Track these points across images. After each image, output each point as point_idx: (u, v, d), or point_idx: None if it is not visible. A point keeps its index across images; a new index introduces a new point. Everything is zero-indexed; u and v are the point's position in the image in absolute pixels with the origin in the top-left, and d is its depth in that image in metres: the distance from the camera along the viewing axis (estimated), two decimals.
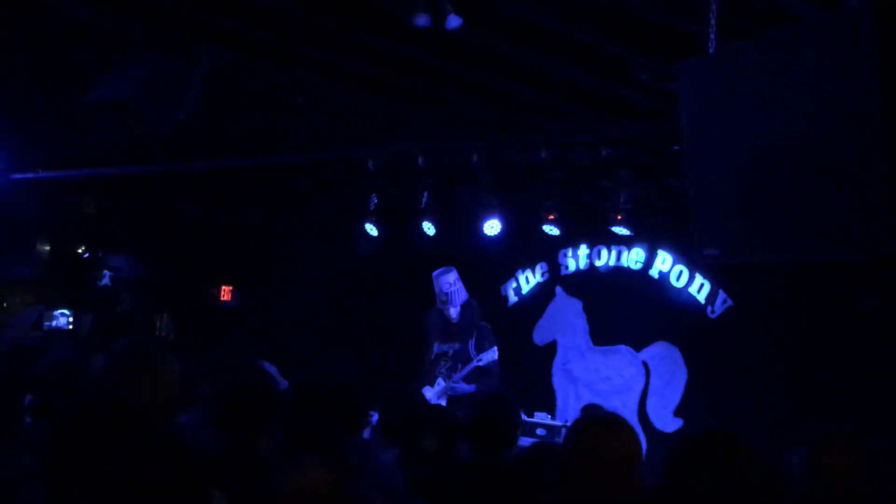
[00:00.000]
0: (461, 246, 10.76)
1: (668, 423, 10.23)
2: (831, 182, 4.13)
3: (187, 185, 11.94)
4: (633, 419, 10.35)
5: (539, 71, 6.93)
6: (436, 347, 9.17)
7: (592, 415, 3.29)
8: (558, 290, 11.32)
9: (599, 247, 11.01)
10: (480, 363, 8.65)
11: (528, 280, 11.62)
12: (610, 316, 10.93)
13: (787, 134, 4.27)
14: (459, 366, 8.80)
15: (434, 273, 9.13)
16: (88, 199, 12.79)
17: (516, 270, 11.68)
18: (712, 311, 10.12)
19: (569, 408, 10.76)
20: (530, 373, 11.10)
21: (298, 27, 6.40)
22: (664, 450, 2.97)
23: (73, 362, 5.21)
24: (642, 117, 7.57)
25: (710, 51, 4.91)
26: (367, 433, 5.68)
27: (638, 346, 10.62)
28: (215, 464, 3.69)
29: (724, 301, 10.05)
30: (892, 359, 8.68)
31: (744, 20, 5.26)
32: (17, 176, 11.54)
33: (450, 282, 9.01)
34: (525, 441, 7.02)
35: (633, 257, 10.74)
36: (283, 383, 7.23)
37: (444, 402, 8.73)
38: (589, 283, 11.11)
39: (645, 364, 10.57)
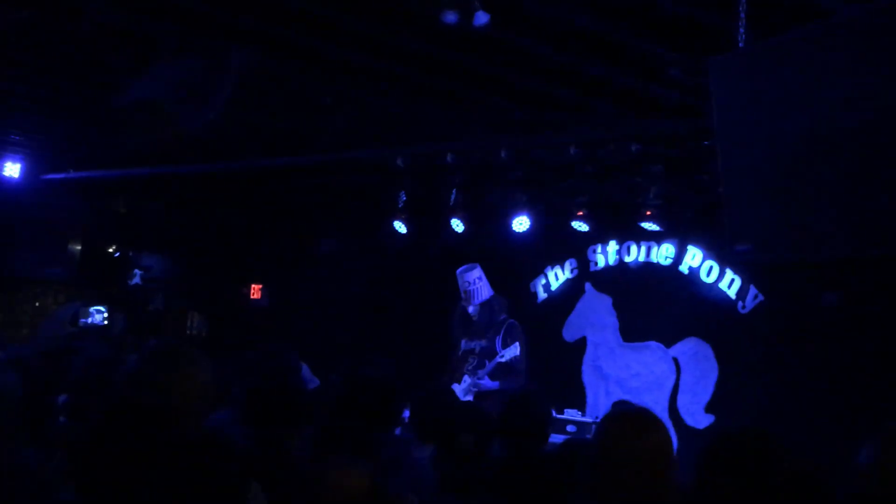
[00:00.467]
0: (490, 243, 10.76)
1: (699, 419, 10.18)
2: (868, 178, 4.10)
3: (217, 184, 12.00)
4: (663, 415, 10.30)
5: (568, 68, 6.92)
6: (463, 344, 9.19)
7: (622, 410, 3.26)
8: (588, 286, 11.28)
9: (629, 243, 10.96)
10: (503, 360, 8.64)
11: (558, 276, 11.59)
12: (640, 312, 10.88)
13: (821, 129, 4.24)
14: (486, 362, 8.80)
15: (458, 270, 9.14)
16: (120, 199, 12.88)
17: (545, 267, 11.66)
18: (743, 307, 10.05)
19: (599, 404, 10.73)
20: (560, 369, 11.07)
21: (327, 27, 6.43)
22: (695, 446, 2.96)
23: (107, 362, 5.25)
24: (672, 113, 7.54)
25: (740, 45, 4.88)
26: (398, 430, 5.71)
27: (668, 343, 10.57)
28: (248, 461, 3.72)
29: (755, 296, 9.98)
30: None
31: (774, 14, 5.24)
32: (50, 176, 11.65)
33: (471, 280, 9.02)
34: (556, 438, 7.01)
35: (663, 253, 10.68)
36: (314, 382, 7.27)
37: (471, 398, 8.73)
38: (618, 280, 11.07)
39: (675, 360, 10.52)
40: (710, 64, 4.87)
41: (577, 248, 11.28)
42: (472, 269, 9.08)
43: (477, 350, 9.01)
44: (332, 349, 11.47)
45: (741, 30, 4.89)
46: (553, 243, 11.11)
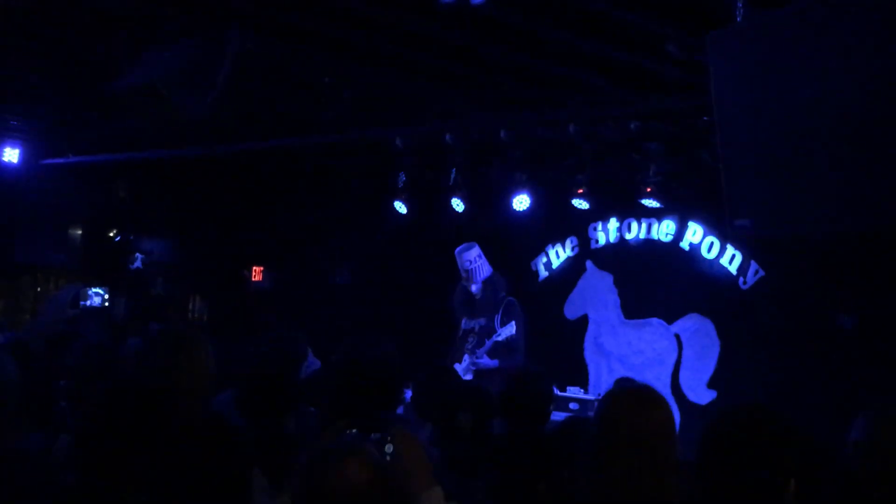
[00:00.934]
0: (490, 222, 10.75)
1: (701, 395, 10.20)
2: (868, 151, 4.09)
3: (217, 167, 11.99)
4: (666, 392, 10.33)
5: (566, 45, 6.89)
6: (463, 323, 9.20)
7: (624, 388, 3.26)
8: (589, 264, 11.28)
9: (629, 220, 10.96)
10: (499, 338, 8.65)
11: (559, 254, 11.60)
12: (641, 289, 10.89)
13: (820, 103, 4.23)
14: (485, 341, 8.81)
15: (456, 250, 9.13)
16: (120, 184, 12.88)
17: (546, 245, 11.66)
18: (744, 283, 10.06)
19: (601, 382, 10.74)
20: (562, 347, 11.09)
21: (325, 8, 6.40)
22: (698, 422, 2.96)
23: (107, 347, 5.27)
24: (672, 90, 7.52)
25: (738, 20, 4.86)
26: (400, 410, 5.72)
27: (670, 319, 10.58)
28: (245, 443, 3.75)
29: (756, 272, 9.98)
30: None
31: None
32: (49, 161, 11.64)
33: (471, 258, 9.01)
34: (558, 416, 7.03)
35: (664, 230, 10.68)
36: (316, 363, 7.28)
37: (470, 377, 8.74)
38: (619, 257, 11.07)
39: (677, 336, 10.53)
40: (708, 39, 4.86)
41: (578, 226, 11.28)
42: (470, 247, 9.08)
43: (476, 329, 9.02)
44: (333, 330, 11.48)
45: (739, 4, 4.86)
46: (553, 221, 11.10)
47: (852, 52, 4.09)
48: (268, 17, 6.59)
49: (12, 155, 11.50)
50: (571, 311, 11.39)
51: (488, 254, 9.21)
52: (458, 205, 10.35)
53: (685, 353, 10.46)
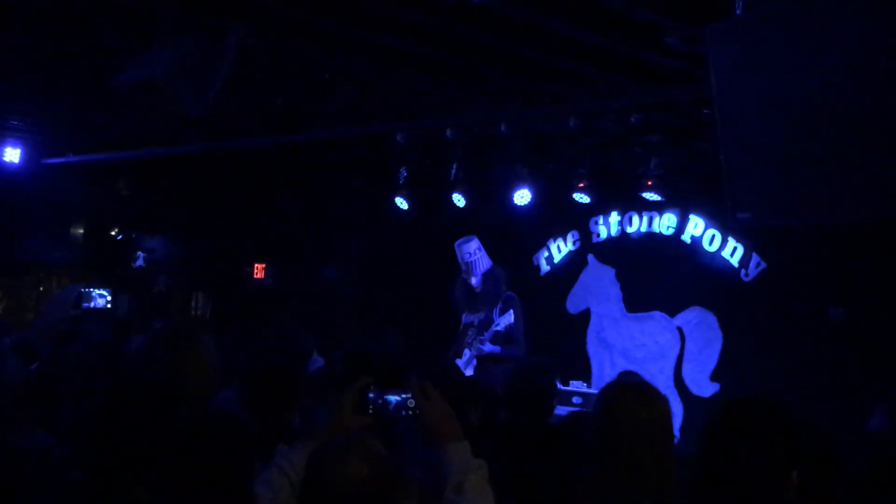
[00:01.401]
0: (492, 217, 10.76)
1: (704, 388, 10.21)
2: (869, 141, 4.09)
3: (218, 164, 11.99)
4: (669, 385, 10.34)
5: (566, 38, 6.88)
6: (464, 318, 9.21)
7: (621, 382, 3.27)
8: (590, 257, 11.29)
9: (631, 213, 10.97)
10: (498, 328, 8.65)
11: (560, 249, 11.60)
12: (643, 282, 10.90)
13: (821, 94, 4.22)
14: (485, 333, 8.81)
15: (456, 243, 9.14)
16: (121, 182, 12.88)
17: (548, 239, 11.67)
18: (746, 275, 10.07)
19: (604, 375, 10.75)
20: (565, 341, 11.10)
21: (325, 2, 6.39)
22: (701, 415, 2.97)
23: (111, 345, 5.27)
24: (672, 82, 7.51)
25: (738, 11, 4.86)
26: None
27: (672, 312, 10.59)
28: (250, 439, 3.75)
29: (758, 264, 9.99)
30: None
31: None
32: (50, 160, 11.65)
33: (471, 251, 9.02)
34: (561, 410, 7.03)
35: (665, 223, 10.69)
36: (319, 361, 7.28)
37: (471, 371, 8.74)
38: (621, 250, 11.08)
39: (680, 329, 10.54)
40: (708, 31, 4.85)
41: (579, 220, 11.30)
42: (469, 240, 9.09)
43: (475, 323, 9.02)
44: (336, 326, 11.49)
45: None
46: (555, 215, 11.12)
47: (853, 43, 4.09)
48: (267, 12, 6.58)
49: (13, 155, 11.50)
50: (574, 305, 11.41)
51: (490, 249, 9.22)
52: (459, 200, 10.35)
53: (688, 345, 10.47)
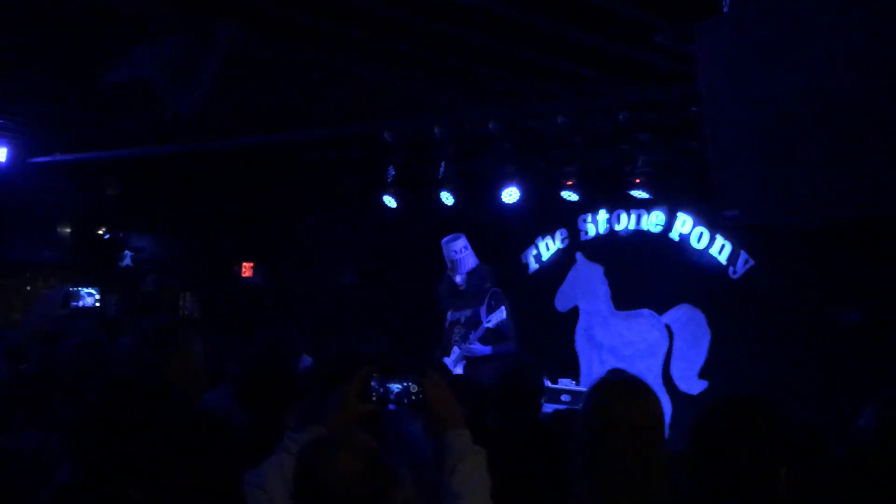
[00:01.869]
0: (480, 215, 10.77)
1: (692, 385, 10.23)
2: (856, 139, 4.10)
3: (206, 163, 11.97)
4: (657, 383, 10.36)
5: (555, 36, 6.89)
6: (449, 315, 9.22)
7: (611, 378, 3.28)
8: (579, 255, 11.31)
9: (619, 211, 10.98)
10: (489, 324, 8.67)
11: (549, 247, 11.62)
12: (631, 280, 10.92)
13: (808, 91, 4.24)
14: (472, 333, 8.82)
15: (443, 240, 9.17)
16: (109, 181, 12.85)
17: (536, 237, 11.68)
18: (734, 272, 10.09)
19: (593, 373, 10.76)
20: (553, 339, 11.11)
21: (313, 1, 6.39)
22: (690, 412, 2.97)
23: (100, 344, 5.27)
24: (661, 80, 7.53)
25: (725, 9, 4.87)
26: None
27: (660, 310, 10.61)
28: (243, 437, 3.76)
29: (746, 261, 10.02)
30: None
31: None
32: (37, 160, 11.61)
33: (457, 249, 9.04)
34: (549, 407, 7.04)
35: (653, 220, 10.71)
36: (307, 360, 7.28)
37: (460, 370, 8.75)
38: (609, 248, 11.09)
39: (668, 327, 10.56)
40: (696, 29, 4.86)
41: (568, 218, 11.31)
42: (456, 238, 9.11)
43: (462, 320, 9.03)
44: (323, 325, 11.48)
45: None
46: (543, 214, 11.12)
47: (840, 41, 4.10)
48: (256, 11, 6.57)
49: (0, 154, 11.47)
50: (562, 303, 11.42)
51: (478, 247, 9.23)
52: (447, 198, 10.35)
53: (676, 343, 10.49)
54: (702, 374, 10.20)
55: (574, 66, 7.51)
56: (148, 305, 12.99)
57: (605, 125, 8.70)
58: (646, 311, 10.74)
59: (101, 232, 13.16)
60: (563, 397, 9.10)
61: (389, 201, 10.79)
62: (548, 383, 8.23)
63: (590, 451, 2.92)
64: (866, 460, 2.91)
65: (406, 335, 10.47)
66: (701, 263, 10.32)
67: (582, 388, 9.28)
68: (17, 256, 12.40)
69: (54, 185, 12.26)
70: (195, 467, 2.75)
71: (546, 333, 10.93)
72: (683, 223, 10.47)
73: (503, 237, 11.33)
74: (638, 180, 9.43)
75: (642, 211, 10.77)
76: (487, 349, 8.71)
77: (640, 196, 9.68)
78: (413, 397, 3.18)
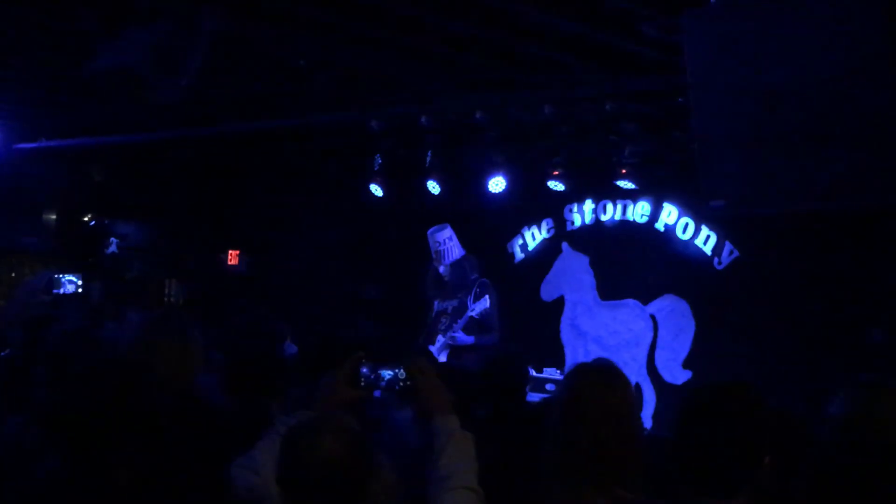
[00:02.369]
0: (466, 204, 10.77)
1: (677, 375, 10.26)
2: (843, 129, 4.12)
3: (192, 150, 11.94)
4: (642, 372, 10.40)
5: (542, 26, 6.89)
6: (436, 305, 9.22)
7: (585, 365, 3.31)
8: (564, 245, 11.32)
9: (605, 201, 11.00)
10: (473, 313, 8.67)
11: (535, 236, 11.63)
12: (617, 270, 10.94)
13: (794, 82, 4.26)
14: (458, 322, 8.82)
15: (429, 231, 9.16)
16: (95, 167, 12.80)
17: (522, 227, 11.68)
18: (719, 263, 10.13)
19: (578, 363, 10.76)
20: (538, 329, 11.13)
21: None
22: (674, 402, 2.99)
23: (85, 331, 5.24)
24: (647, 70, 7.53)
25: (711, 1, 4.88)
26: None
27: (645, 300, 10.64)
28: (229, 424, 3.76)
29: (731, 252, 10.05)
30: None
31: None
32: (22, 145, 11.55)
33: (442, 239, 9.04)
34: (534, 397, 7.06)
35: (639, 211, 10.73)
36: (292, 347, 7.29)
37: (444, 358, 8.76)
38: (595, 238, 11.11)
39: (653, 317, 10.59)
40: (683, 19, 4.87)
41: (554, 208, 11.31)
42: (442, 228, 9.10)
43: (449, 310, 9.04)
44: (309, 313, 11.47)
45: None
46: (529, 203, 11.13)
47: (826, 30, 4.12)
48: None
49: None
50: (547, 292, 11.43)
51: (464, 236, 9.22)
52: (433, 187, 10.35)
53: (661, 333, 10.52)
54: (686, 365, 10.23)
55: (561, 55, 7.51)
56: (133, 292, 12.95)
57: (592, 115, 8.71)
58: (631, 301, 10.76)
59: (86, 219, 13.10)
60: (548, 386, 9.11)
61: (376, 190, 10.78)
62: (533, 372, 8.25)
63: (563, 436, 2.94)
64: (836, 447, 2.93)
65: (392, 324, 10.49)
66: (686, 254, 10.35)
67: None
68: (1, 242, 12.34)
69: (40, 172, 12.20)
70: (181, 454, 2.75)
71: (531, 323, 10.95)
72: (669, 214, 10.50)
73: (489, 226, 11.33)
74: (624, 171, 9.45)
75: (628, 201, 10.78)
76: (470, 339, 8.71)
77: (626, 186, 9.71)
78: (403, 384, 3.20)
